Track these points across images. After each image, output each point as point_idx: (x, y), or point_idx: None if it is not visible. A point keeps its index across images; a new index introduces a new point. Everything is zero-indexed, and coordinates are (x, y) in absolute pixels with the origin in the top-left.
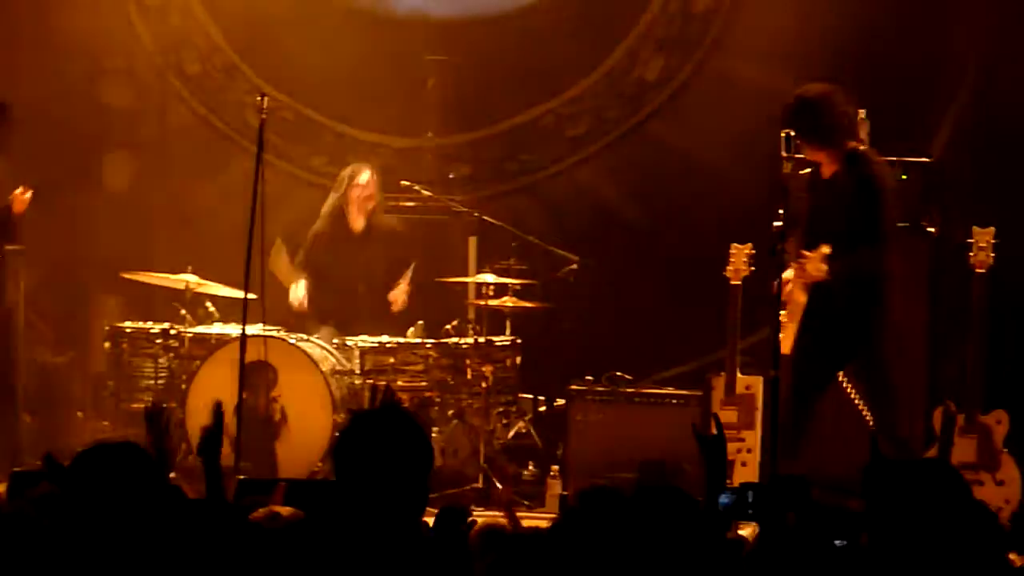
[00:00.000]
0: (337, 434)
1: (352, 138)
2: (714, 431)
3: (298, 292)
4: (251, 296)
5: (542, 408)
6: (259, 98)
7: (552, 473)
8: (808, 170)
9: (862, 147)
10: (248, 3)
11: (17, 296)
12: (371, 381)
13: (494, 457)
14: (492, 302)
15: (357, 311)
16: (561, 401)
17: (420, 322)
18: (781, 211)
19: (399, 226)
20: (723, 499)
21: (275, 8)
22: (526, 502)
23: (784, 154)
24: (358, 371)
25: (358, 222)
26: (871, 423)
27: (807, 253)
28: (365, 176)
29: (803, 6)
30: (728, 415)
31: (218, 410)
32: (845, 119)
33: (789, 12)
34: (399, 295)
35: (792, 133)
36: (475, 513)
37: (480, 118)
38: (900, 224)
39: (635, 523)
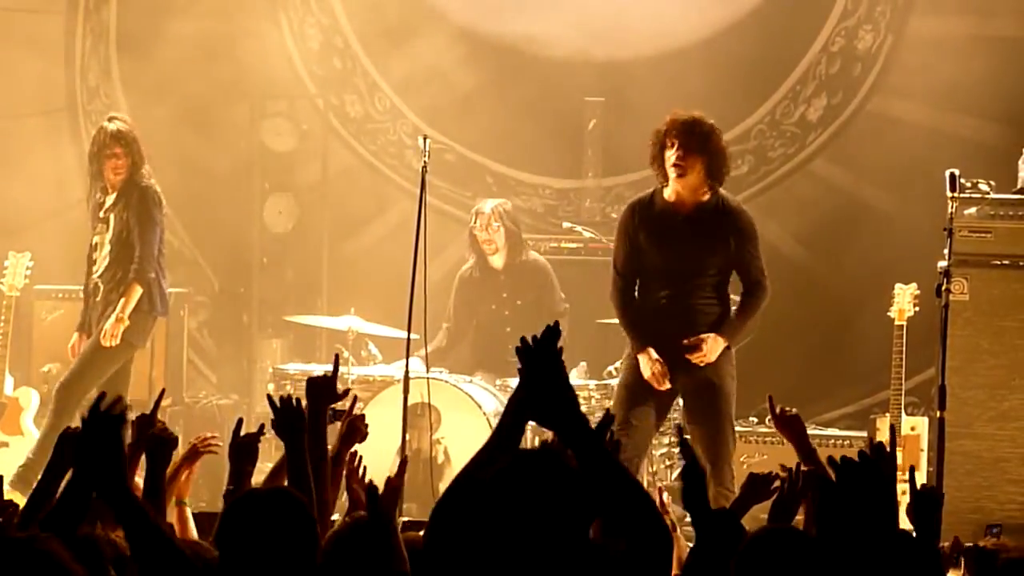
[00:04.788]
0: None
1: (513, 179)
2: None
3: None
4: (414, 336)
5: None
6: (421, 140)
7: None
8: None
9: None
10: (407, 46)
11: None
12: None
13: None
14: None
15: (505, 355)
16: None
17: (583, 363)
18: (947, 251)
19: (544, 263)
20: None
21: (433, 50)
22: None
23: (950, 193)
24: None
25: (497, 259)
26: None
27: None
28: (486, 206)
29: (964, 45)
30: None
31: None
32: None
33: (951, 51)
34: None
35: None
36: None
37: (641, 158)
38: None
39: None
